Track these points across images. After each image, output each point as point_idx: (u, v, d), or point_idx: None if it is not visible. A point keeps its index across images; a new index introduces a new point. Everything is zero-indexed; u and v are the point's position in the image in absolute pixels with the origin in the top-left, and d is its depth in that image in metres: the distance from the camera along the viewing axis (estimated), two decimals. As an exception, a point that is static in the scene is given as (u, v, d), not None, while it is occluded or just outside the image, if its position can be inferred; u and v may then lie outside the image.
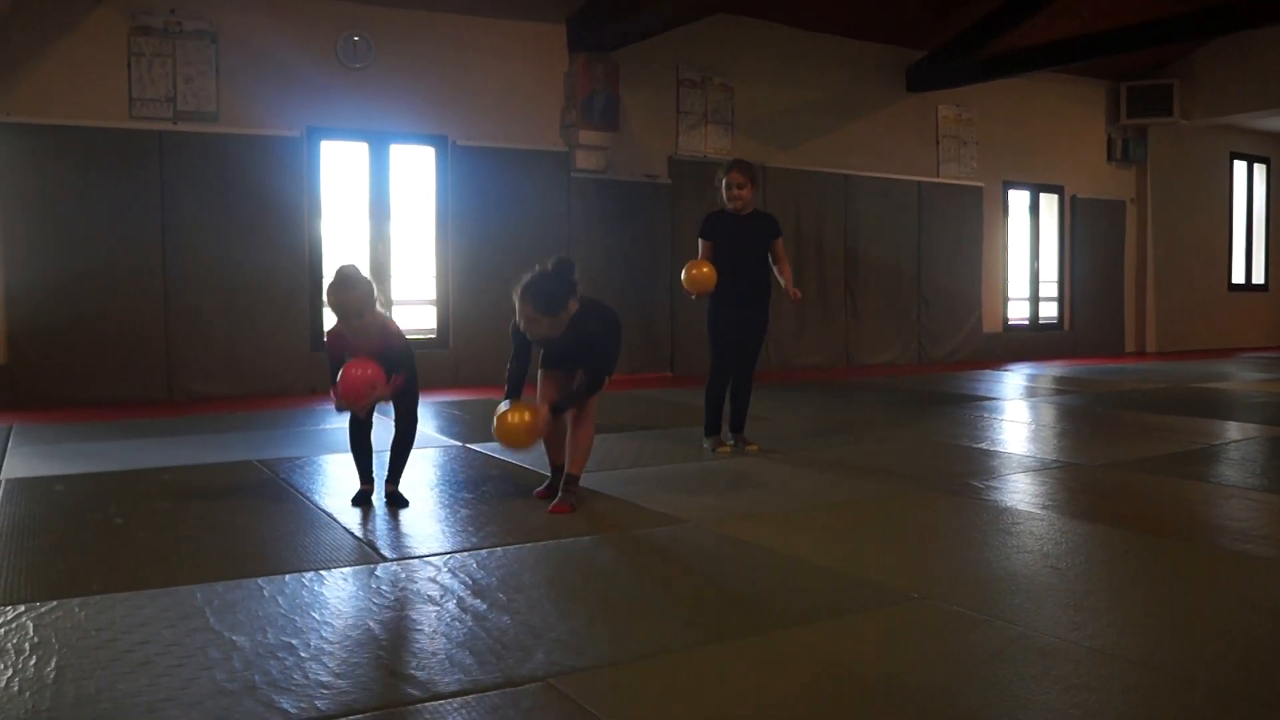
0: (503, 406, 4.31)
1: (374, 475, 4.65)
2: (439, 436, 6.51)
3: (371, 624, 2.98)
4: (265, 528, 4.15)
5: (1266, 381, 10.25)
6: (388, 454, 4.64)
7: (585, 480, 5.04)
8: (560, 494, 4.48)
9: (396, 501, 4.54)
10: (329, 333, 4.53)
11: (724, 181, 5.95)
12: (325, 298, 4.49)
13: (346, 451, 5.82)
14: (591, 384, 4.45)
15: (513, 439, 4.26)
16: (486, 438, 6.39)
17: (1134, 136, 14.49)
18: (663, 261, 10.71)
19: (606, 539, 3.95)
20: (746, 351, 6.04)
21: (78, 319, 8.14)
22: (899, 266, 12.42)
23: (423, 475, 5.22)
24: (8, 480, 5.07)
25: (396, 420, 4.62)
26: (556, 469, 4.69)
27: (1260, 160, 16.23)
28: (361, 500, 4.58)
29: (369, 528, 4.13)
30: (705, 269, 5.70)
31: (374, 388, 4.25)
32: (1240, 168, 16.03)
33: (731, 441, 6.03)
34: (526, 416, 4.24)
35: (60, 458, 5.68)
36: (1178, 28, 10.78)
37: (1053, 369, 11.88)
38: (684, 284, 5.77)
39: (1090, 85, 14.06)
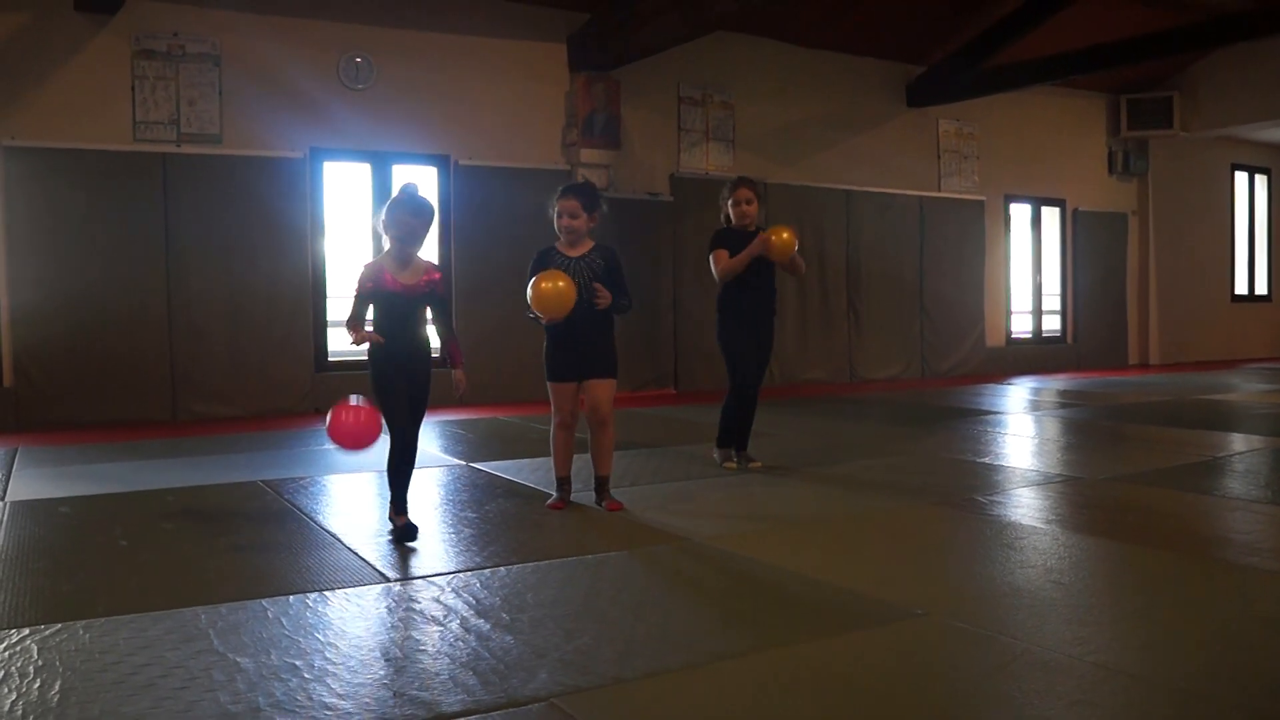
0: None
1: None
2: (443, 455, 6.52)
3: (375, 645, 2.98)
4: (269, 549, 4.16)
5: (1270, 393, 10.23)
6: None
7: (585, 498, 5.05)
8: (605, 495, 4.90)
9: (409, 534, 4.23)
10: (367, 266, 4.27)
11: (730, 199, 5.93)
12: (382, 219, 4.27)
13: (350, 472, 5.86)
14: (623, 302, 4.83)
15: (556, 299, 4.54)
16: (490, 457, 6.40)
17: (1135, 149, 14.51)
18: (665, 279, 10.73)
19: (610, 558, 3.95)
20: (758, 369, 5.99)
21: (82, 341, 8.16)
22: (901, 281, 12.42)
23: (426, 495, 5.22)
24: (12, 502, 5.08)
25: (410, 438, 4.33)
26: (564, 480, 4.94)
27: (1261, 171, 16.24)
28: (407, 534, 4.23)
29: (373, 549, 4.13)
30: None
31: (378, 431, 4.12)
32: (1241, 179, 16.04)
33: (735, 460, 6.01)
34: (560, 282, 4.54)
35: (65, 479, 5.69)
36: (1177, 40, 10.80)
37: (1056, 382, 11.86)
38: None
39: (1090, 98, 14.10)
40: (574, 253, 4.82)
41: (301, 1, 8.97)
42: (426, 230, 4.29)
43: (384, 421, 4.20)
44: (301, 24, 9.00)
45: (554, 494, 4.95)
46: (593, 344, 4.80)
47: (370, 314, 4.30)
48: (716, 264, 5.86)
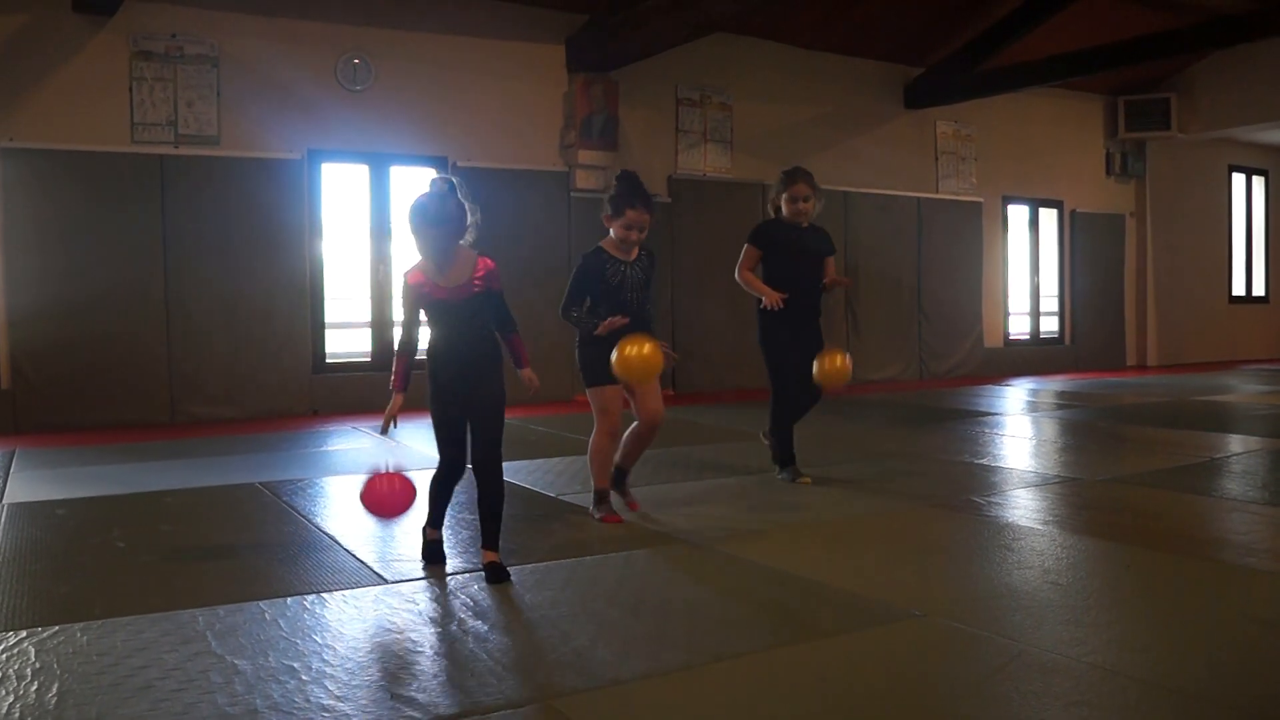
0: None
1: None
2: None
3: (373, 646, 2.98)
4: (267, 551, 4.16)
5: (1268, 394, 10.24)
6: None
7: (583, 500, 5.05)
8: (624, 491, 4.86)
9: (500, 575, 3.64)
10: (409, 274, 3.78)
11: (786, 193, 5.44)
12: (410, 225, 3.76)
13: (350, 473, 5.85)
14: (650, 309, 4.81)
15: (643, 365, 4.30)
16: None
17: (1132, 150, 14.52)
18: (663, 280, 10.72)
19: (607, 559, 3.95)
20: (803, 374, 5.29)
21: (80, 343, 8.16)
22: (899, 283, 12.43)
23: (423, 496, 5.20)
24: (10, 504, 5.07)
25: (486, 462, 3.75)
26: (607, 493, 4.73)
27: (1259, 173, 16.26)
28: (435, 555, 3.90)
29: (370, 550, 4.13)
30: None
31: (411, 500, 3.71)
32: (1239, 180, 16.06)
33: (784, 475, 5.57)
34: (646, 347, 4.28)
35: (62, 481, 5.69)
36: (1175, 42, 10.82)
37: (1054, 383, 11.87)
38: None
39: (1088, 100, 14.11)
40: (629, 257, 4.67)
41: (299, 3, 8.97)
42: (454, 236, 3.75)
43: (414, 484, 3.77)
44: (299, 25, 9.00)
45: (599, 508, 4.65)
46: None
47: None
48: (742, 264, 5.46)
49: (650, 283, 4.76)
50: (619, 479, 4.85)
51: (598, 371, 4.54)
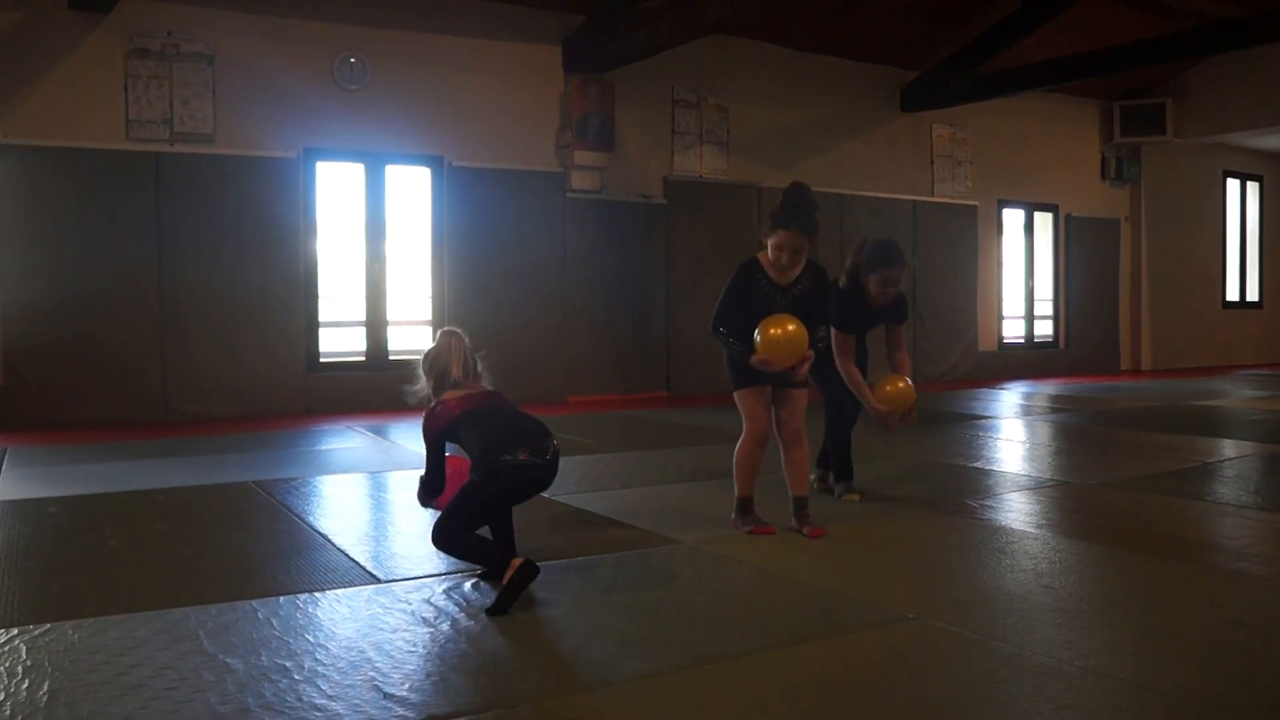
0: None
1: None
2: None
3: (365, 646, 2.97)
4: (260, 550, 4.15)
5: (1261, 399, 10.26)
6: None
7: (579, 500, 5.06)
8: (807, 519, 4.34)
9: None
10: (430, 411, 3.66)
11: (877, 275, 4.90)
12: (433, 364, 3.70)
13: (343, 472, 5.85)
14: (820, 333, 4.39)
15: (789, 344, 4.13)
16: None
17: (1127, 155, 14.56)
18: (658, 281, 10.74)
19: (601, 560, 3.95)
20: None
21: (74, 340, 8.14)
22: (894, 285, 12.42)
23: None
24: (2, 502, 5.06)
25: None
26: (751, 500, 4.44)
27: (1253, 178, 16.30)
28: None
29: (363, 550, 4.13)
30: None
31: None
32: (1233, 186, 16.10)
33: (840, 489, 5.31)
34: (790, 326, 4.12)
35: (55, 479, 5.67)
36: (1170, 47, 10.85)
37: (1048, 387, 11.89)
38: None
39: (1084, 105, 14.14)
40: (784, 279, 4.26)
41: (296, 2, 8.96)
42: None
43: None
44: (295, 24, 8.99)
45: (744, 520, 4.40)
46: None
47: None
48: (841, 351, 4.90)
49: (813, 314, 4.25)
50: (796, 509, 4.40)
51: (743, 372, 4.27)
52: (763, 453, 4.41)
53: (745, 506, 4.43)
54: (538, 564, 3.36)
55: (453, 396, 3.62)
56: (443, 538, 3.51)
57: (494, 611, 3.22)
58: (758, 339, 4.15)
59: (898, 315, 5.03)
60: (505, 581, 3.28)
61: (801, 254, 4.21)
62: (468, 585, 3.57)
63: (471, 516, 3.53)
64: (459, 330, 3.78)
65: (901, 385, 4.80)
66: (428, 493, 3.74)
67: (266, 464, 6.22)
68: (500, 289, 9.78)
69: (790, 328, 4.11)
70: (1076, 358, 14.24)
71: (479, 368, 3.73)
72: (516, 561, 3.30)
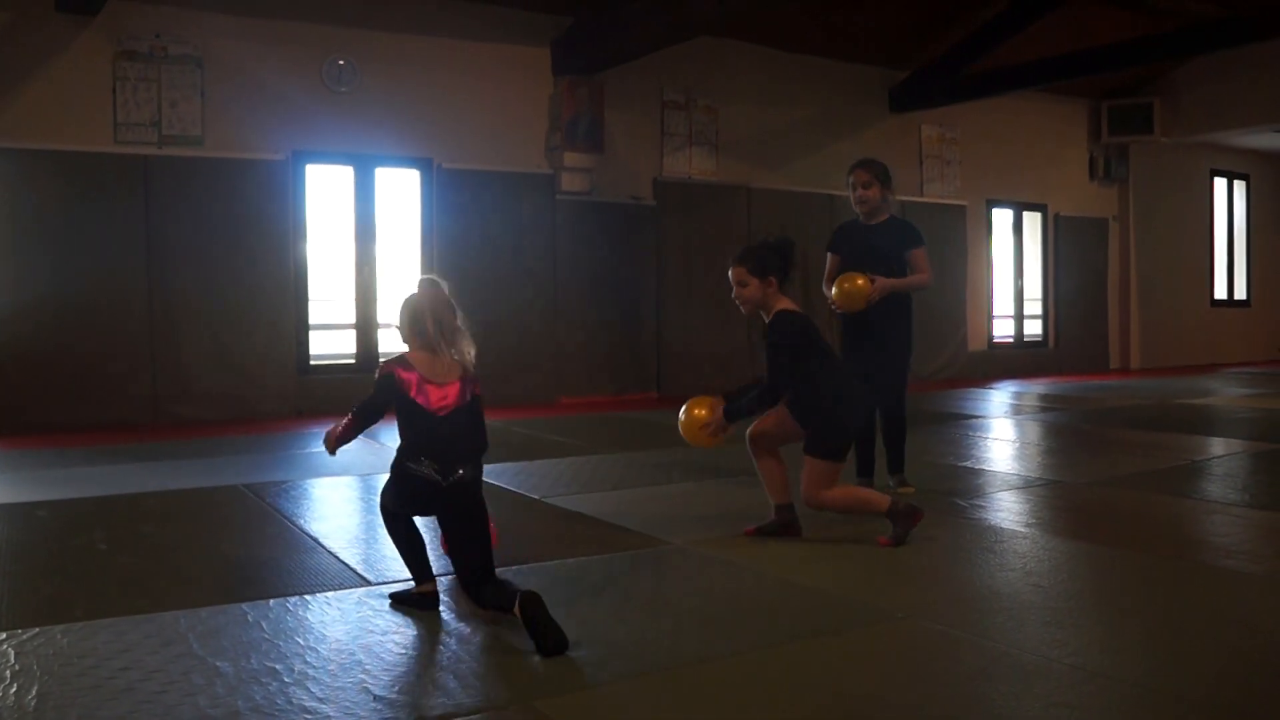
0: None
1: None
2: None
3: (355, 648, 2.97)
4: (250, 553, 4.14)
5: (1249, 397, 10.31)
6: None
7: (569, 502, 5.05)
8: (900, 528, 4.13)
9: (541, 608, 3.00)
10: (386, 369, 3.32)
11: (849, 182, 5.38)
12: (410, 315, 3.37)
13: (333, 475, 5.84)
14: (757, 396, 4.19)
15: (687, 433, 4.28)
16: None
17: (1115, 155, 14.61)
18: (648, 283, 10.74)
19: (591, 561, 3.95)
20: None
21: (62, 343, 8.11)
22: (884, 285, 12.45)
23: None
24: (-9, 507, 5.05)
25: (475, 519, 3.30)
26: (780, 508, 4.37)
27: (1240, 177, 16.37)
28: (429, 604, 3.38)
29: (354, 553, 4.12)
30: (860, 281, 5.00)
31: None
32: (1220, 184, 16.17)
33: (892, 484, 5.37)
34: (702, 411, 4.22)
35: (44, 483, 5.66)
36: (1158, 47, 10.90)
37: (1038, 386, 11.92)
38: (837, 299, 5.06)
39: (1072, 104, 14.18)
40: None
41: (284, 4, 8.95)
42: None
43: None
44: (284, 26, 8.97)
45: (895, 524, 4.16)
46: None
47: None
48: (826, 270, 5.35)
49: (774, 364, 4.15)
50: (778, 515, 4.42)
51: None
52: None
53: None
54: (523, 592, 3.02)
55: (413, 376, 3.27)
56: (382, 511, 3.45)
57: (546, 652, 2.88)
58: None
59: (896, 243, 5.38)
60: (522, 618, 2.96)
61: (741, 298, 4.22)
62: (458, 587, 3.56)
63: (393, 508, 3.39)
64: (440, 280, 3.43)
65: (853, 284, 5.07)
66: (341, 430, 3.49)
67: (257, 467, 6.21)
68: (490, 291, 9.77)
69: (703, 412, 4.25)
70: (1066, 357, 14.28)
71: (460, 321, 3.40)
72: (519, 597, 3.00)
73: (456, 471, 3.22)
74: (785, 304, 4.20)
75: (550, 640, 2.88)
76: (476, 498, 3.29)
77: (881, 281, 5.11)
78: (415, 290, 3.41)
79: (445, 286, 3.42)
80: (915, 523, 4.12)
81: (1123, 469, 5.99)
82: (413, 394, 3.25)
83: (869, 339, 5.30)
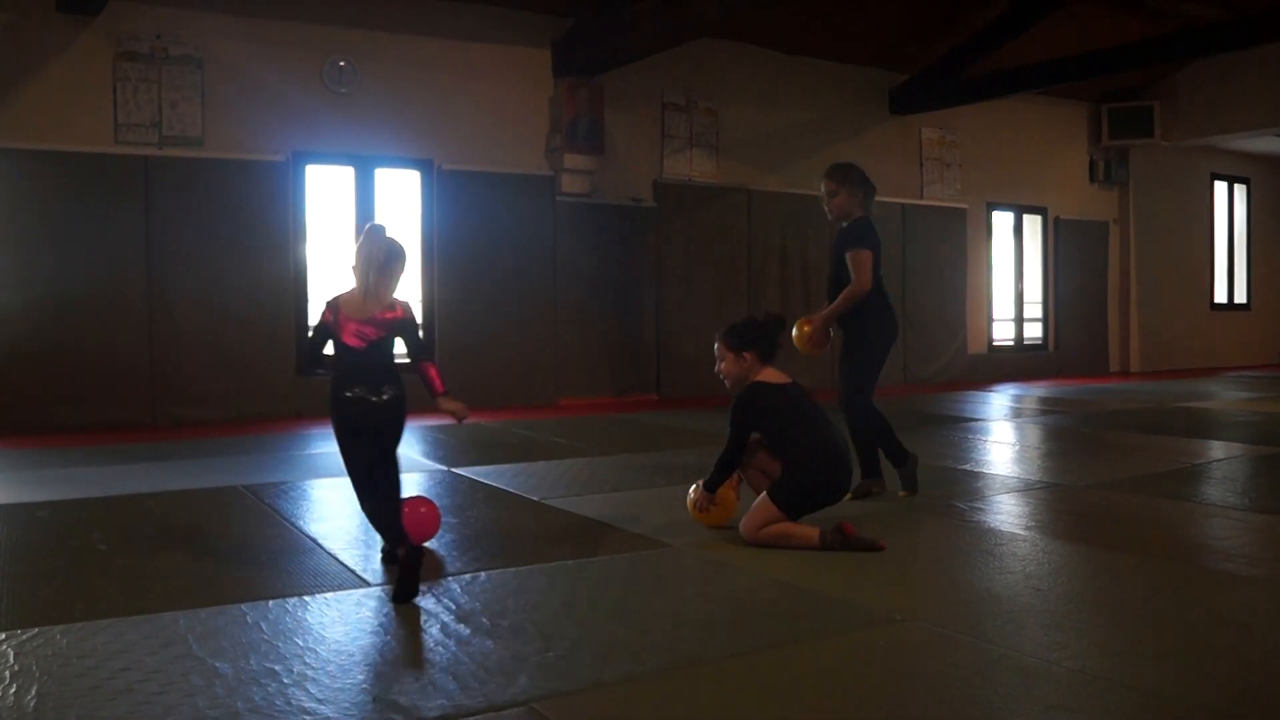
0: None
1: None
2: (424, 461, 6.50)
3: (355, 649, 2.97)
4: (249, 553, 4.14)
5: (1249, 401, 10.31)
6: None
7: (569, 504, 5.05)
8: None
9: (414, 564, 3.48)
10: (328, 310, 3.79)
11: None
12: (364, 261, 3.74)
13: (332, 476, 5.84)
14: (718, 464, 4.34)
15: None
16: (471, 462, 6.39)
17: (1116, 158, 14.61)
18: (648, 284, 10.75)
19: (591, 563, 3.95)
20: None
21: (62, 343, 8.11)
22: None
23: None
24: (-10, 507, 5.04)
25: (389, 458, 3.86)
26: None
27: (1240, 181, 16.38)
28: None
29: (353, 554, 4.12)
30: (794, 332, 5.16)
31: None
32: (1221, 188, 16.18)
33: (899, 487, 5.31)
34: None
35: (43, 483, 5.65)
36: (1158, 50, 10.89)
37: (1038, 389, 11.92)
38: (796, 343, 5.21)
39: (1072, 107, 14.18)
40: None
41: (285, 5, 8.95)
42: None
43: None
44: (285, 27, 8.98)
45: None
46: None
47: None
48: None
49: (728, 432, 4.31)
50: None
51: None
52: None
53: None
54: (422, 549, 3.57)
55: (338, 316, 3.77)
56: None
57: (397, 599, 3.41)
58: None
59: (839, 244, 5.42)
60: (402, 563, 3.46)
61: (718, 361, 4.41)
62: (457, 588, 3.57)
63: (342, 450, 3.85)
64: (382, 227, 3.82)
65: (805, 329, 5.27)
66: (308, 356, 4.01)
67: (256, 468, 6.21)
68: (490, 292, 9.77)
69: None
70: (1066, 360, 14.28)
71: (390, 264, 3.80)
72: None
73: (385, 391, 3.72)
74: (766, 376, 4.31)
75: (403, 590, 3.39)
76: (403, 413, 3.82)
77: (817, 318, 5.31)
78: (368, 239, 3.79)
79: (384, 232, 3.82)
80: (849, 534, 4.10)
81: (1122, 472, 5.99)
82: (340, 332, 3.76)
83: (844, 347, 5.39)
